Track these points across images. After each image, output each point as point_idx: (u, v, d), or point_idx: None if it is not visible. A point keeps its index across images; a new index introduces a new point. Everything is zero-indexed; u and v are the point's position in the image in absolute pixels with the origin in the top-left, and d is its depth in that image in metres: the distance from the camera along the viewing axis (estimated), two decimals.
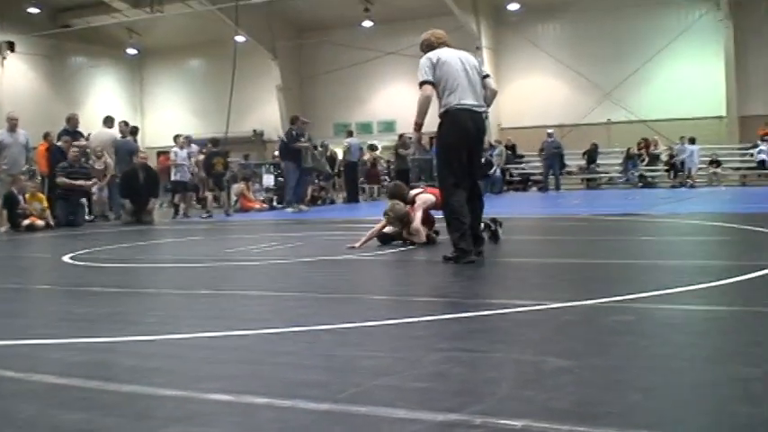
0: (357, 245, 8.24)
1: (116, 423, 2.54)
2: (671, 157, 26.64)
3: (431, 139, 16.34)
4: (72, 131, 16.48)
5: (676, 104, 29.18)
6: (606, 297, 4.49)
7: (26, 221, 14.18)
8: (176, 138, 18.37)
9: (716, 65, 28.91)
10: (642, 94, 30.27)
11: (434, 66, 6.64)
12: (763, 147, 24.72)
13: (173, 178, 17.95)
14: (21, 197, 14.41)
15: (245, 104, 33.33)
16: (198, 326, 4.18)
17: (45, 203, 14.82)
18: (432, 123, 6.89)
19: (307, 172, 18.89)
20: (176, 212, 18.32)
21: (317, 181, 22.24)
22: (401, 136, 23.86)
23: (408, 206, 8.38)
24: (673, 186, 25.58)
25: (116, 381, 3.03)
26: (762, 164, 24.53)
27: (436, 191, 7.90)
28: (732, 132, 28.91)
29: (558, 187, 26.48)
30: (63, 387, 3.01)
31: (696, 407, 2.50)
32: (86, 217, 16.28)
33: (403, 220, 8.34)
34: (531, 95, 31.96)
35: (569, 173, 29.17)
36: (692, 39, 29.48)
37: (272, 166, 24.22)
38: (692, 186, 24.72)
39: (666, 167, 27.28)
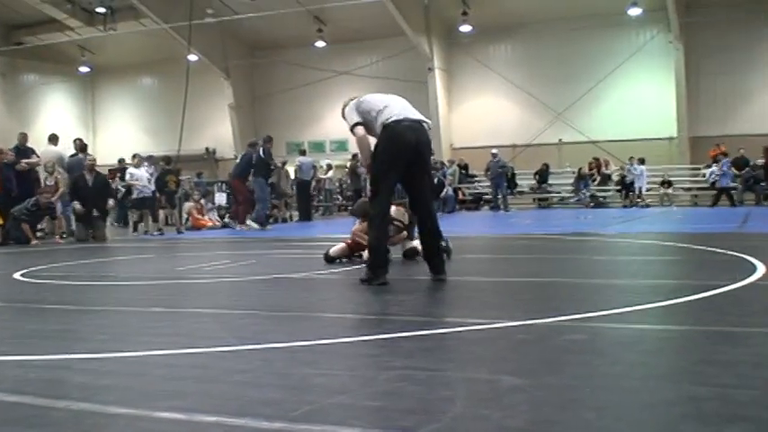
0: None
1: None
2: (622, 177, 26.94)
3: None
4: (22, 149, 16.31)
5: (628, 125, 29.56)
6: (560, 316, 4.52)
7: None
8: (134, 157, 18.81)
9: (667, 86, 29.28)
10: (593, 114, 30.61)
11: (358, 105, 6.66)
12: (714, 168, 25.10)
13: (134, 196, 18.00)
14: None
15: (197, 123, 33.29)
16: (150, 343, 4.12)
17: None
18: None
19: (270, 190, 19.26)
20: (135, 229, 18.60)
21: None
22: (355, 156, 23.89)
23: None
24: (624, 206, 25.88)
25: (67, 398, 2.99)
26: (713, 185, 24.89)
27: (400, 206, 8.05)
28: (683, 153, 29.31)
29: (506, 207, 26.05)
30: (13, 405, 2.96)
31: (649, 426, 2.52)
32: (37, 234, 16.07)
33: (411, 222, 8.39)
34: (483, 116, 32.24)
35: (521, 192, 29.35)
36: (644, 60, 29.92)
37: (224, 185, 24.15)
38: (644, 206, 25.02)
39: (618, 188, 27.60)
